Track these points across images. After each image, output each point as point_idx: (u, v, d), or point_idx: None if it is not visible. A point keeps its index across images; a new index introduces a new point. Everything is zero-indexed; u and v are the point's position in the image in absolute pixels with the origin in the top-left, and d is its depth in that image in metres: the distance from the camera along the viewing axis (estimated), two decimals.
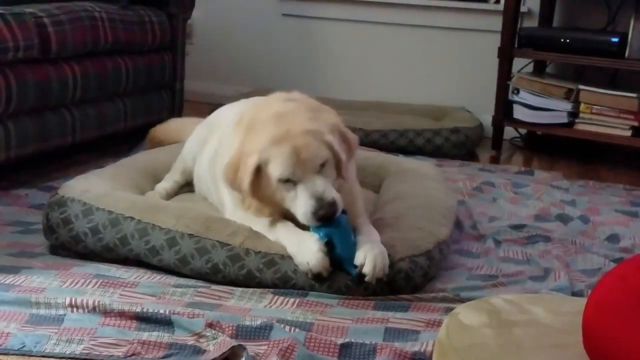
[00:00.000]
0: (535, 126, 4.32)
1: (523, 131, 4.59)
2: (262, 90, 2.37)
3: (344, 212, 2.17)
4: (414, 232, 2.33)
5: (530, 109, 4.23)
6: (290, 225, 2.20)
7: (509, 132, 4.56)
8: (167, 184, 2.80)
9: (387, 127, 4.07)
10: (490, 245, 2.64)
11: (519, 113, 4.28)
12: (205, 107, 2.98)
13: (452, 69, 4.83)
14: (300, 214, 2.12)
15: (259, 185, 2.17)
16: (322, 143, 2.16)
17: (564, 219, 3.00)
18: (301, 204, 2.12)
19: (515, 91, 4.28)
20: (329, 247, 2.11)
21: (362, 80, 4.98)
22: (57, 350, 1.78)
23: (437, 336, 1.23)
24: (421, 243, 2.27)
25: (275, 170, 2.13)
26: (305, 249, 2.11)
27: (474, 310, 1.25)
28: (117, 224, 2.28)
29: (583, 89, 4.10)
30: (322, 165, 2.15)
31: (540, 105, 4.20)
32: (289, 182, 2.13)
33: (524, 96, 4.25)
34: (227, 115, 2.73)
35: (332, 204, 2.10)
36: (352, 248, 2.12)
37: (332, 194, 2.12)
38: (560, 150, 4.44)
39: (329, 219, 2.09)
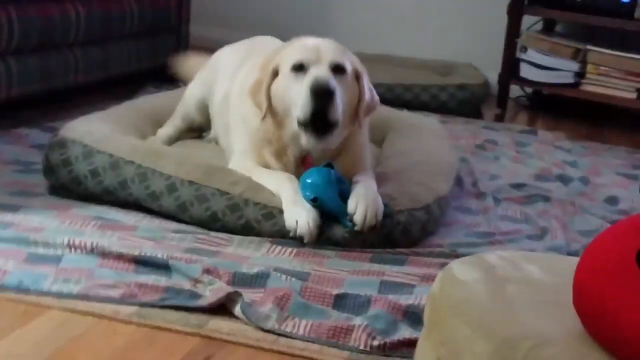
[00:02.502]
0: (541, 85, 4.30)
1: (529, 90, 4.56)
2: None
3: (331, 166, 2.18)
4: (414, 187, 2.34)
5: (537, 67, 4.20)
6: (293, 180, 2.20)
7: (515, 90, 4.53)
8: (168, 129, 2.79)
9: (393, 81, 4.05)
10: (489, 203, 2.65)
11: (526, 71, 4.25)
12: (210, 53, 2.95)
13: (460, 24, 4.78)
14: (298, 99, 2.13)
15: (274, 96, 2.21)
16: (346, 53, 2.21)
17: (564, 179, 3.01)
18: (304, 84, 2.12)
19: (523, 49, 4.25)
20: (319, 203, 2.11)
21: (371, 32, 4.93)
22: (55, 289, 1.79)
23: (431, 290, 1.24)
24: (421, 197, 2.28)
25: (291, 56, 2.18)
26: (297, 213, 2.11)
27: (468, 266, 1.26)
28: (118, 167, 2.28)
29: (591, 50, 4.07)
30: (339, 71, 2.16)
31: (547, 65, 4.17)
32: (301, 71, 2.15)
33: (532, 55, 4.22)
34: (228, 57, 2.72)
35: (330, 89, 2.10)
36: (341, 202, 2.12)
37: (334, 83, 2.12)
38: (565, 110, 4.42)
39: (322, 94, 2.09)
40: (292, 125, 2.19)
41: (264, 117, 2.23)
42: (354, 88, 2.24)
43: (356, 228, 2.10)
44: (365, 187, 2.17)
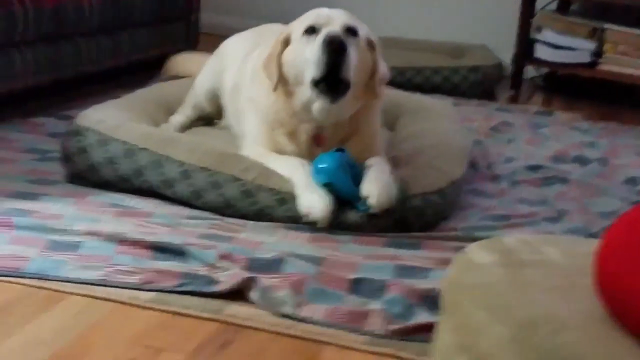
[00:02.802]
0: (556, 66, 4.26)
1: (544, 71, 4.52)
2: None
3: (342, 150, 2.17)
4: (427, 171, 2.33)
5: (552, 47, 4.16)
6: (305, 165, 2.20)
7: (529, 71, 4.49)
8: (180, 117, 2.80)
9: (404, 64, 4.01)
10: (504, 186, 2.63)
11: (541, 52, 4.22)
12: (220, 40, 2.95)
13: (472, 4, 4.74)
14: (309, 57, 2.13)
15: (286, 63, 2.21)
16: (359, 22, 2.22)
17: (582, 160, 2.98)
18: (316, 42, 2.13)
19: (538, 29, 4.21)
20: (332, 188, 2.12)
21: (380, 16, 4.89)
22: (74, 275, 1.81)
23: (447, 274, 1.24)
24: (434, 181, 2.27)
25: (303, 22, 2.20)
26: (311, 197, 2.11)
27: (485, 249, 1.25)
28: (132, 155, 2.29)
29: (609, 28, 4.02)
30: (351, 34, 2.17)
31: (562, 44, 4.13)
32: (313, 34, 2.15)
33: (547, 34, 4.18)
34: (236, 45, 2.72)
35: (342, 42, 2.10)
36: (354, 186, 2.12)
37: (346, 40, 2.12)
38: (581, 91, 4.37)
39: (335, 47, 2.09)
40: (304, 93, 2.19)
41: (275, 88, 2.23)
42: (366, 55, 2.24)
43: (371, 211, 2.10)
44: (378, 171, 2.17)
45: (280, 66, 2.23)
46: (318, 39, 2.13)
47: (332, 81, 2.12)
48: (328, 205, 2.10)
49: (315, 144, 2.27)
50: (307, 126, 2.26)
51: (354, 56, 2.14)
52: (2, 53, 2.91)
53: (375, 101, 2.34)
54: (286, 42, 2.25)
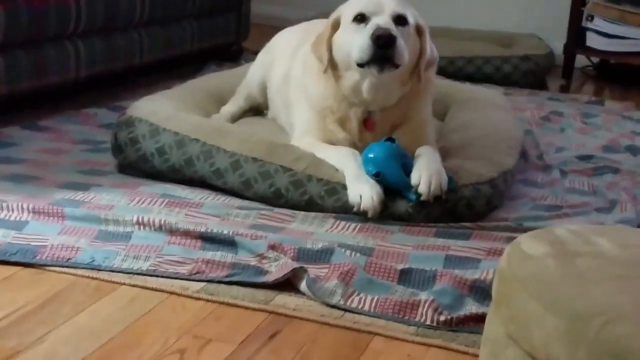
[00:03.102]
0: (609, 55, 4.19)
1: (595, 60, 4.45)
2: (326, 14, 2.36)
3: (392, 140, 2.16)
4: (478, 161, 2.31)
5: (604, 36, 4.09)
6: (357, 155, 2.20)
7: (581, 60, 4.42)
8: (231, 107, 2.82)
9: (454, 53, 3.99)
10: (555, 176, 2.60)
11: (592, 41, 4.15)
12: (271, 31, 2.96)
13: None
14: (358, 45, 2.12)
15: (335, 47, 2.22)
16: (408, 6, 2.21)
17: (633, 150, 2.93)
18: (365, 33, 2.12)
19: (590, 18, 4.14)
20: (381, 178, 2.11)
21: (430, 5, 4.85)
22: (125, 265, 1.84)
23: (498, 265, 1.22)
24: (485, 171, 2.25)
25: (352, 8, 2.20)
26: (361, 188, 2.11)
27: (537, 240, 1.24)
28: (183, 145, 2.31)
29: None
30: (400, 22, 2.15)
31: (615, 33, 4.06)
32: (362, 22, 2.15)
33: (598, 23, 4.11)
34: (287, 39, 2.73)
35: (392, 35, 2.09)
36: (405, 176, 2.11)
37: (395, 31, 2.11)
38: (634, 80, 4.29)
39: (384, 41, 2.08)
40: (353, 76, 2.19)
41: (325, 70, 2.23)
42: (416, 41, 2.23)
43: (422, 198, 2.09)
44: (428, 159, 2.15)
45: (330, 49, 2.23)
46: (367, 30, 2.12)
47: (381, 57, 2.11)
48: (378, 195, 2.10)
49: (365, 129, 2.27)
50: (356, 110, 2.25)
51: (403, 46, 2.13)
52: (56, 45, 2.96)
53: (425, 89, 2.32)
54: (335, 26, 2.25)
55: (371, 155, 2.14)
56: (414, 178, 2.10)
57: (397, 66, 2.14)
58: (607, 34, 4.09)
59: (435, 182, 2.09)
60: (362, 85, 2.20)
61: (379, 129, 2.26)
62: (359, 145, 2.27)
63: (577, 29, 4.17)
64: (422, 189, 2.08)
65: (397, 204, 2.14)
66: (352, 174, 2.15)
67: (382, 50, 2.09)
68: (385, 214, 2.12)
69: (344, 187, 2.15)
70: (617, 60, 4.28)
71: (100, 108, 3.05)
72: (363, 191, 2.10)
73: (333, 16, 2.27)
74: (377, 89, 2.20)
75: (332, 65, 2.24)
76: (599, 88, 4.22)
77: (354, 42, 2.15)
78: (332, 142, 2.31)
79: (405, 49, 2.13)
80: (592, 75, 4.45)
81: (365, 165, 2.14)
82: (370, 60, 2.11)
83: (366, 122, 2.27)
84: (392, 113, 2.27)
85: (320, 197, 2.17)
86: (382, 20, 2.14)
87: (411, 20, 2.21)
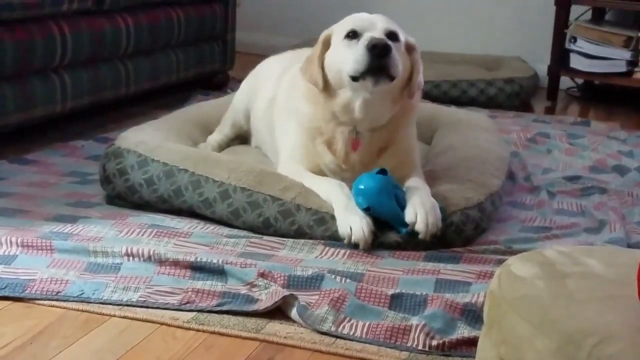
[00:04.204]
0: (592, 75, 4.22)
1: (579, 81, 4.49)
2: (313, 42, 2.38)
3: (385, 172, 2.15)
4: (465, 184, 2.32)
5: (587, 57, 4.13)
6: (344, 186, 2.20)
7: (565, 82, 4.46)
8: (218, 136, 2.82)
9: (439, 77, 4.01)
10: (543, 197, 2.61)
11: (576, 62, 4.19)
12: (256, 59, 2.97)
13: (506, 17, 4.72)
14: (352, 58, 2.12)
15: (327, 65, 2.22)
16: (397, 25, 2.22)
17: (620, 170, 2.95)
18: (359, 45, 2.13)
19: (573, 39, 4.18)
20: (372, 212, 2.10)
21: (414, 30, 4.88)
22: (115, 297, 1.83)
23: (489, 287, 1.23)
24: (473, 195, 2.26)
25: (344, 26, 2.21)
26: (350, 219, 2.10)
27: (527, 262, 1.24)
28: (172, 175, 2.31)
29: None
30: (392, 39, 2.16)
31: (598, 54, 4.10)
32: (354, 38, 2.16)
33: (582, 45, 4.15)
34: (272, 66, 2.73)
35: (387, 44, 2.10)
36: (397, 208, 2.10)
37: (389, 43, 2.12)
38: (618, 100, 4.33)
39: (379, 50, 2.08)
40: (345, 93, 2.19)
41: (322, 88, 2.22)
42: (406, 59, 2.24)
43: (420, 237, 2.08)
44: (421, 195, 2.14)
45: (322, 68, 2.24)
46: (361, 43, 2.13)
47: (376, 68, 2.12)
48: (368, 226, 2.09)
49: (352, 149, 2.26)
50: (344, 130, 2.24)
51: (398, 58, 2.14)
52: (42, 78, 2.97)
53: (411, 112, 2.32)
54: (327, 44, 2.25)
55: (362, 187, 2.11)
56: (409, 215, 2.09)
57: (392, 78, 2.13)
58: (590, 55, 4.13)
59: (432, 220, 2.08)
60: (354, 103, 2.19)
61: (366, 151, 2.25)
62: (344, 167, 2.26)
63: (561, 51, 4.21)
64: (420, 227, 2.07)
65: (387, 234, 2.13)
66: (340, 205, 2.14)
67: (378, 60, 2.09)
68: (376, 244, 2.11)
69: (333, 217, 2.14)
70: (600, 81, 4.32)
71: (87, 140, 3.05)
72: (353, 223, 2.09)
73: (324, 34, 2.28)
74: (368, 107, 2.19)
75: (324, 85, 2.24)
76: (584, 109, 4.25)
77: (347, 57, 2.15)
78: (318, 166, 2.30)
79: (399, 60, 2.15)
80: (577, 96, 4.49)
81: (355, 197, 2.13)
82: (366, 71, 2.11)
83: (352, 142, 2.26)
84: (380, 135, 2.26)
85: (309, 226, 2.16)
86: (375, 34, 2.15)
87: (402, 37, 2.23)
